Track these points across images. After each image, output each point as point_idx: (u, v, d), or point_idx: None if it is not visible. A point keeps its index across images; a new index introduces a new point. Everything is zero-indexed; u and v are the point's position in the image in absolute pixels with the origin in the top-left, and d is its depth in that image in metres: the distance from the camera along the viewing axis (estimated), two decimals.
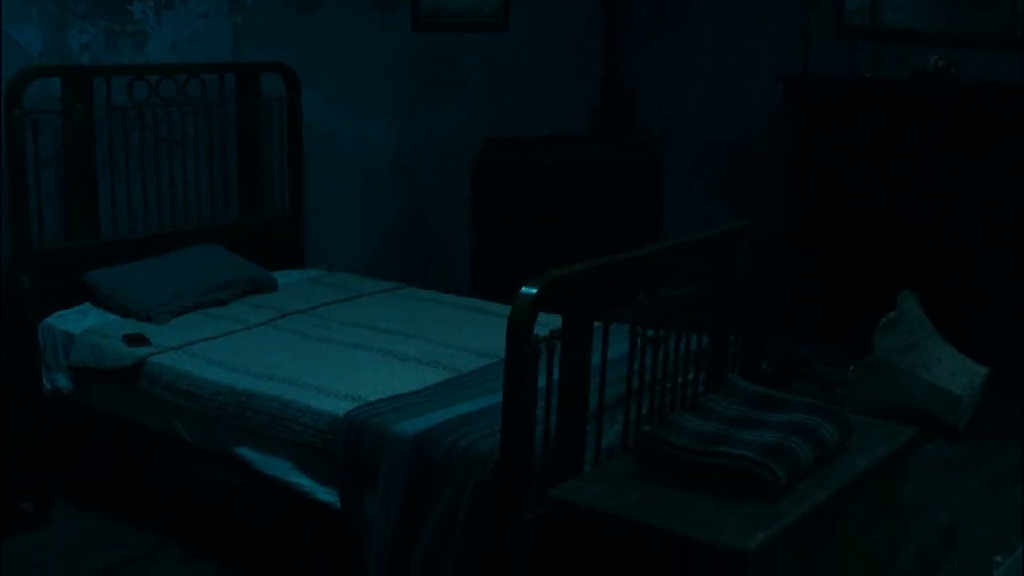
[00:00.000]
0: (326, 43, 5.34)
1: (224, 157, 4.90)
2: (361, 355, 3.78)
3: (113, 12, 4.51)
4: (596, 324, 3.02)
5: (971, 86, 5.52)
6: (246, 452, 3.49)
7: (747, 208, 5.89)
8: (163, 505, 3.88)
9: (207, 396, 3.59)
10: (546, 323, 2.83)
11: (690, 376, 3.46)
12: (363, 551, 3.15)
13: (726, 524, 2.72)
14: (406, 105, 5.78)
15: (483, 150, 6.01)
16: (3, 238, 4.19)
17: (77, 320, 4.18)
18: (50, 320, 4.16)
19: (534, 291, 2.76)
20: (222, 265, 4.59)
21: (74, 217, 4.40)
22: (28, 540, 3.81)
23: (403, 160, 5.79)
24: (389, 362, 3.70)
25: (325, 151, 5.36)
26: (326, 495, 3.27)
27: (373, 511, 3.12)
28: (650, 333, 3.16)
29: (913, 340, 4.80)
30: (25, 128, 4.15)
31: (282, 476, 3.39)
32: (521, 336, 2.74)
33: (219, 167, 4.88)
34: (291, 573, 3.50)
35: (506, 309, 4.62)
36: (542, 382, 2.85)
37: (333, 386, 3.45)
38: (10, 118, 4.12)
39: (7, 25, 4.17)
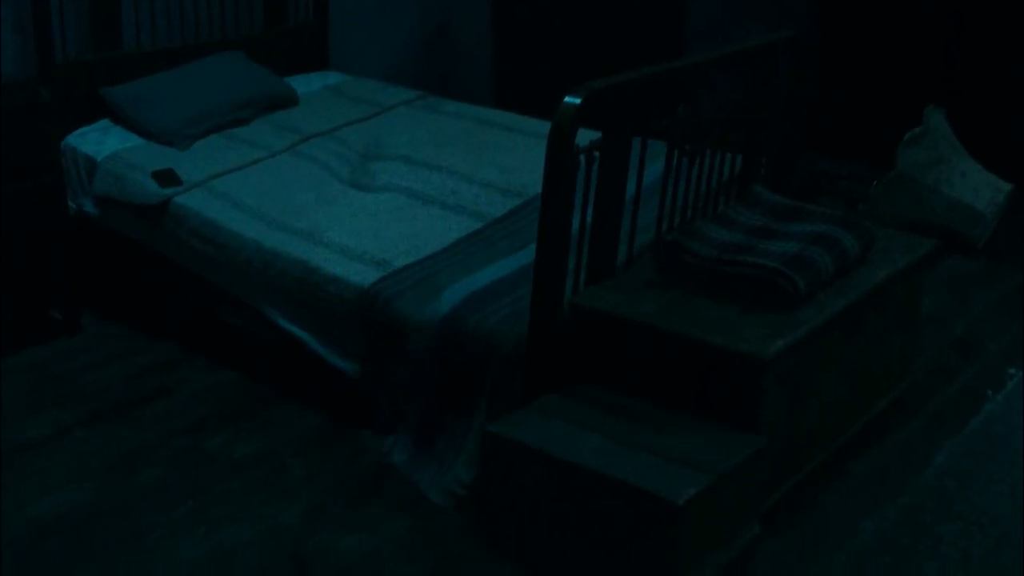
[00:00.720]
0: None
1: None
2: (384, 199, 3.71)
3: None
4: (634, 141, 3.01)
5: None
6: (269, 309, 3.46)
7: (774, 22, 5.76)
8: (187, 325, 3.91)
9: (233, 248, 3.54)
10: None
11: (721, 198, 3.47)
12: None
13: (746, 331, 2.76)
14: None
15: None
16: (27, 50, 4.14)
17: (98, 140, 4.13)
18: (71, 140, 4.11)
19: (578, 101, 2.72)
20: (242, 79, 4.52)
21: (96, 29, 4.33)
22: (58, 347, 3.90)
23: None
24: (413, 207, 3.64)
25: None
26: (344, 364, 3.26)
27: (396, 384, 3.15)
28: (687, 148, 3.16)
29: (938, 155, 4.76)
30: None
31: (303, 337, 3.36)
32: (563, 146, 2.72)
33: None
34: (313, 390, 3.50)
35: (529, 123, 4.53)
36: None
37: (358, 245, 3.37)
38: None
39: None
